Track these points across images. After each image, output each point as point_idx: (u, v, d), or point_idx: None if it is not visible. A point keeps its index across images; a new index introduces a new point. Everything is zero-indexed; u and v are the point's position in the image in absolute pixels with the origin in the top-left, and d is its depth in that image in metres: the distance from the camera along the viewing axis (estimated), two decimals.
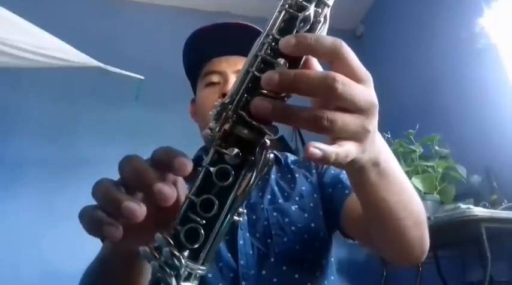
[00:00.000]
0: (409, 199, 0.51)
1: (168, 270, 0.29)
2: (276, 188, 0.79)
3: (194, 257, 0.30)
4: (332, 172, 0.80)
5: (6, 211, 2.49)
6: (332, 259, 0.77)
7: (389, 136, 2.23)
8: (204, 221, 0.31)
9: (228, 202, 0.31)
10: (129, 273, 0.42)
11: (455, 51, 2.49)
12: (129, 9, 3.24)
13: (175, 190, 0.31)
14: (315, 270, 0.71)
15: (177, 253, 0.30)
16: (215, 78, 0.80)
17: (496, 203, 1.92)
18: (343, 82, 0.30)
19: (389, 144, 2.22)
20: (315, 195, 0.78)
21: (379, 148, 0.39)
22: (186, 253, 0.30)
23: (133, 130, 2.81)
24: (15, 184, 2.59)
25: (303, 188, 0.79)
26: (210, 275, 0.67)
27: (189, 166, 0.31)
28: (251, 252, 0.70)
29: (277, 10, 0.33)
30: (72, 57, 2.28)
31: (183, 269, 0.30)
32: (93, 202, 0.35)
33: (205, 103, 0.80)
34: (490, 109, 2.21)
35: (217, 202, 0.31)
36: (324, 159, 0.31)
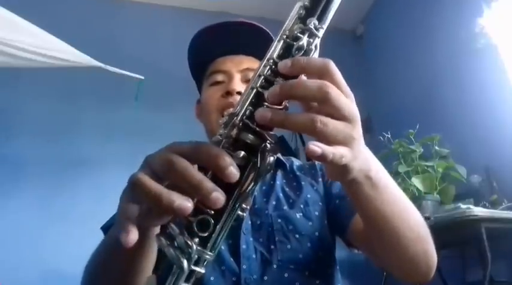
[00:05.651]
0: (405, 211, 0.52)
1: (180, 253, 0.33)
2: (281, 194, 0.79)
3: (203, 244, 0.35)
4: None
5: (6, 211, 2.49)
6: (337, 267, 0.76)
7: (389, 136, 2.23)
8: (212, 212, 0.35)
9: (234, 197, 0.36)
10: (143, 249, 0.46)
11: (455, 51, 2.49)
12: (129, 9, 3.24)
13: (224, 195, 0.34)
14: (316, 279, 0.70)
15: (188, 239, 0.34)
16: (220, 77, 0.80)
17: (496, 203, 1.92)
18: (333, 88, 0.36)
19: (389, 144, 2.22)
20: (321, 203, 0.78)
21: (369, 162, 0.44)
22: (196, 240, 0.34)
23: (133, 130, 2.82)
24: (15, 184, 2.59)
25: (309, 196, 0.78)
26: (212, 278, 0.66)
27: (236, 174, 0.34)
28: (254, 256, 0.69)
29: (277, 39, 0.40)
30: (72, 57, 2.28)
31: (193, 253, 0.33)
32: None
33: (210, 103, 0.79)
34: (490, 109, 2.21)
35: (225, 196, 0.34)
36: (323, 156, 0.35)
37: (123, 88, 2.56)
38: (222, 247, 0.69)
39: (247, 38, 0.79)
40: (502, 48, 2.16)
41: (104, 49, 2.64)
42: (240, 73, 0.79)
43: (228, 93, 0.76)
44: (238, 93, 0.75)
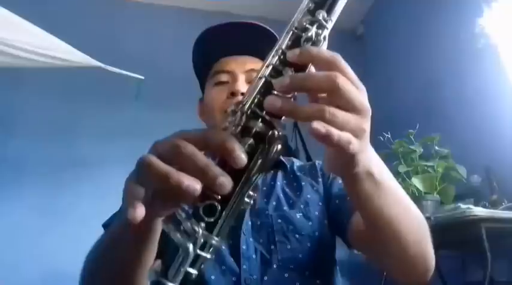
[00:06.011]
0: (407, 212, 0.52)
1: (186, 237, 0.33)
2: (281, 195, 0.79)
3: (210, 229, 0.34)
4: (340, 182, 0.80)
5: (6, 211, 2.49)
6: (337, 268, 0.76)
7: (389, 136, 2.23)
8: (219, 198, 0.35)
9: (241, 183, 0.35)
10: (146, 240, 0.45)
11: (455, 51, 2.49)
12: (129, 9, 3.24)
13: (231, 181, 0.33)
14: (316, 279, 0.71)
15: (195, 224, 0.34)
16: (224, 78, 0.80)
17: (496, 203, 1.92)
18: (343, 79, 0.36)
19: (390, 144, 2.22)
20: (320, 203, 0.78)
21: (371, 158, 0.43)
22: (203, 225, 0.34)
23: (133, 130, 2.81)
24: (15, 184, 2.59)
25: (309, 196, 0.79)
26: (212, 277, 0.66)
27: (243, 159, 0.34)
28: (254, 256, 0.70)
29: (286, 31, 0.40)
30: (72, 57, 2.28)
31: (199, 238, 0.33)
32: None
33: (213, 103, 0.80)
34: (490, 109, 2.21)
35: (232, 182, 0.34)
36: (327, 137, 0.34)
37: (123, 88, 2.56)
38: (222, 247, 0.69)
39: (251, 38, 0.79)
40: (502, 48, 2.16)
41: (104, 49, 2.64)
42: (245, 74, 0.79)
43: (233, 94, 0.76)
44: (243, 94, 0.75)
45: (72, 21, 2.88)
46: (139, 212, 0.32)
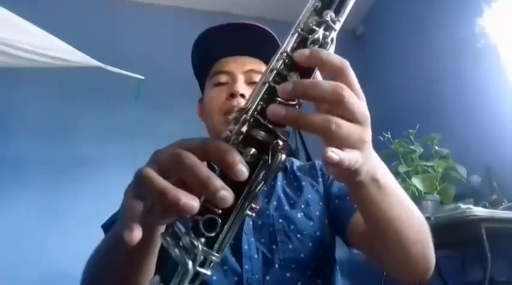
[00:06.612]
0: (408, 213, 0.52)
1: (185, 254, 0.32)
2: (282, 195, 0.79)
3: (210, 244, 0.33)
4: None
5: (6, 211, 2.49)
6: (337, 267, 0.77)
7: (389, 136, 2.23)
8: (220, 212, 0.33)
9: (243, 196, 0.34)
10: (146, 249, 0.45)
11: (455, 51, 2.49)
12: (129, 9, 3.24)
13: (232, 194, 0.32)
14: (318, 279, 0.71)
15: (194, 239, 0.32)
16: (223, 78, 0.80)
17: (496, 203, 1.92)
18: (349, 92, 0.35)
19: (390, 144, 2.22)
20: (321, 203, 0.79)
21: (375, 164, 0.43)
22: (202, 240, 0.33)
23: (133, 130, 2.82)
24: (15, 184, 2.59)
25: (309, 196, 0.79)
26: (214, 278, 0.67)
27: (245, 172, 0.32)
28: (256, 256, 0.70)
29: (291, 32, 0.38)
30: (72, 57, 2.28)
31: (199, 254, 0.32)
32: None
33: (213, 103, 0.80)
34: (490, 109, 2.21)
35: (233, 195, 0.33)
36: (339, 163, 0.34)
37: (123, 88, 2.57)
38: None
39: (251, 39, 0.79)
40: (502, 48, 2.16)
41: (104, 49, 2.64)
42: (244, 74, 0.79)
43: (232, 95, 0.76)
44: (242, 95, 0.76)
45: (72, 21, 2.89)
46: (136, 234, 0.32)
